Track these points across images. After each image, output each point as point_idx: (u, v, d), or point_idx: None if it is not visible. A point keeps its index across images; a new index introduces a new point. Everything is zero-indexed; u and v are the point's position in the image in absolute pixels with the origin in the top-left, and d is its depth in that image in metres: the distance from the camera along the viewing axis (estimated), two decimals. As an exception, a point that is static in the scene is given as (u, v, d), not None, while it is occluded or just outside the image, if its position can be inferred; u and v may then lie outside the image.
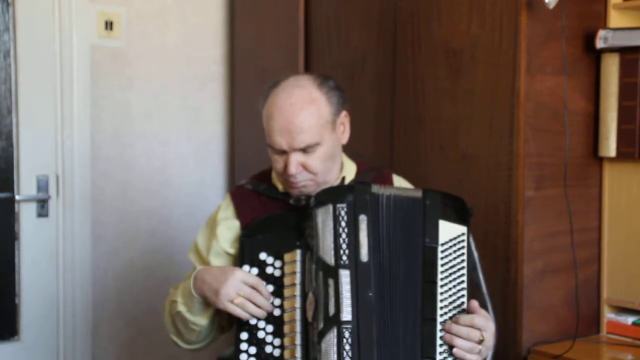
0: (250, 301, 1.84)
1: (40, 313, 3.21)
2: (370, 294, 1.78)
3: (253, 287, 1.85)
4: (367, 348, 1.75)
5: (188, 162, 3.53)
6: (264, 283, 1.88)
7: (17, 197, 3.16)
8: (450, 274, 1.82)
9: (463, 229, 1.85)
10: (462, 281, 1.82)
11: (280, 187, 2.04)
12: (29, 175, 3.17)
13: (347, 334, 1.74)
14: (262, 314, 1.85)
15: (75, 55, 3.21)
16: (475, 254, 1.88)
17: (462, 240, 1.84)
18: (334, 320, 1.75)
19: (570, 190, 2.42)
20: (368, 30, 2.85)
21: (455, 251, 1.83)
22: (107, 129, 3.33)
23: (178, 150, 3.50)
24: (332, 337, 1.75)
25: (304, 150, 1.91)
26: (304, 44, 3.11)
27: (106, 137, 3.32)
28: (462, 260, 1.83)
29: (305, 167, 1.92)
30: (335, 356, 1.73)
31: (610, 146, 2.42)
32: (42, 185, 3.19)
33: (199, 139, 3.56)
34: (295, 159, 1.91)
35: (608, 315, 2.49)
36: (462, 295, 1.81)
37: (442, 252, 1.82)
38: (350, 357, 1.73)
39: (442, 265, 1.81)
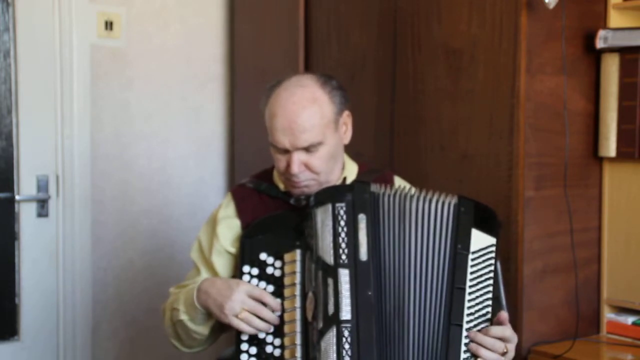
0: (256, 314, 1.84)
1: (40, 313, 3.21)
2: (370, 293, 1.77)
3: (258, 299, 1.85)
4: (367, 347, 1.74)
5: (188, 162, 3.53)
6: (265, 284, 1.88)
7: (17, 197, 3.16)
8: (479, 283, 1.80)
9: (493, 240, 1.83)
10: (489, 291, 1.80)
11: (281, 186, 2.04)
12: (29, 175, 3.17)
13: (346, 333, 1.74)
14: (266, 327, 1.84)
15: (75, 55, 3.20)
16: (499, 268, 1.87)
17: (492, 252, 1.82)
18: (334, 320, 1.75)
19: (570, 190, 2.42)
20: (368, 30, 2.85)
21: (484, 261, 1.81)
22: (107, 129, 3.33)
23: (178, 150, 3.50)
24: (331, 336, 1.74)
25: (307, 149, 1.90)
26: (304, 44, 3.11)
27: (106, 137, 3.32)
28: (490, 272, 1.81)
29: (307, 167, 1.92)
30: (335, 355, 1.73)
31: (610, 146, 2.42)
32: (42, 185, 3.19)
33: (199, 139, 3.56)
34: (298, 158, 1.91)
35: (608, 315, 2.49)
36: (488, 305, 1.80)
37: (472, 260, 1.80)
38: (349, 356, 1.73)
39: (471, 273, 1.80)
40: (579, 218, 2.45)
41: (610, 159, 2.47)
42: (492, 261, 1.82)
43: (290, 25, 3.16)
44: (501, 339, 1.77)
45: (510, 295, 2.36)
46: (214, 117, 3.60)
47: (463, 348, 1.77)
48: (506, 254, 2.36)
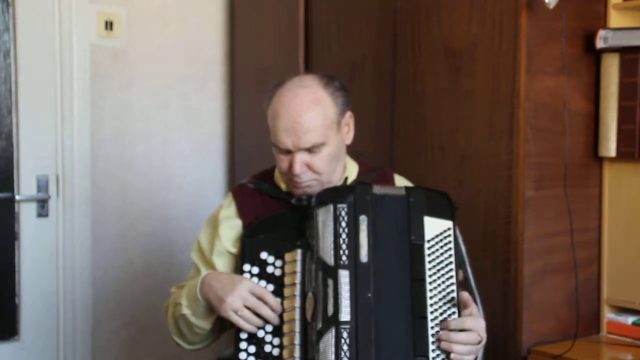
0: (255, 312, 1.84)
1: (40, 313, 3.21)
2: (369, 295, 1.78)
3: (259, 298, 1.85)
4: (365, 348, 1.74)
5: (188, 162, 3.53)
6: (265, 283, 1.88)
7: (17, 197, 3.16)
8: (439, 270, 1.81)
9: (448, 223, 1.85)
10: (451, 276, 1.81)
11: (282, 186, 2.04)
12: (29, 175, 3.17)
13: (345, 334, 1.74)
14: (263, 324, 1.85)
15: (75, 55, 3.21)
16: (463, 248, 1.88)
17: (449, 236, 1.84)
18: (333, 321, 1.75)
19: (570, 190, 2.42)
20: (368, 30, 2.85)
21: (441, 247, 1.83)
22: (107, 129, 3.33)
23: (178, 150, 3.51)
24: (330, 337, 1.74)
25: (310, 150, 1.90)
26: (304, 44, 3.11)
27: (106, 137, 3.33)
28: (450, 256, 1.83)
29: (310, 167, 1.92)
30: (333, 356, 1.73)
31: (610, 146, 2.42)
32: (42, 185, 3.19)
33: (199, 138, 3.56)
34: (301, 158, 1.90)
35: (608, 315, 2.49)
36: (452, 291, 1.81)
37: (429, 248, 1.82)
38: (348, 358, 1.73)
39: (430, 262, 1.81)
40: (579, 218, 2.45)
41: (610, 159, 2.47)
42: (451, 245, 1.83)
43: (290, 25, 3.16)
44: (463, 329, 1.77)
45: (510, 295, 2.36)
46: (214, 117, 3.60)
47: (431, 339, 1.77)
48: (506, 254, 2.37)
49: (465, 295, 1.81)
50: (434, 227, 1.84)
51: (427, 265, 1.81)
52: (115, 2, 3.32)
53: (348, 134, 2.02)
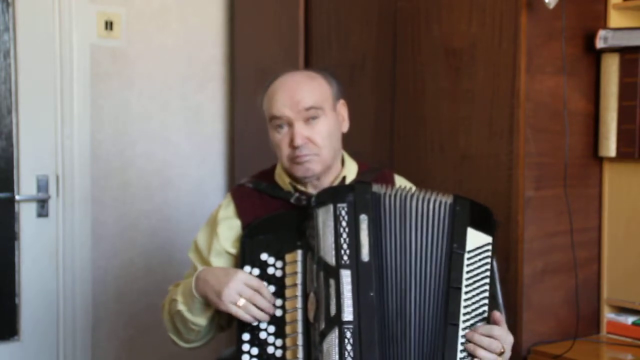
0: (253, 303, 1.84)
1: (40, 313, 3.21)
2: (372, 294, 1.78)
3: (255, 290, 1.85)
4: (369, 348, 1.74)
5: (188, 162, 3.54)
6: (266, 284, 1.88)
7: (17, 197, 3.16)
8: (475, 282, 1.80)
9: (489, 239, 1.84)
10: (485, 290, 1.80)
11: (281, 183, 2.04)
12: (29, 175, 3.17)
13: (348, 334, 1.74)
14: (264, 316, 1.85)
15: (75, 55, 3.21)
16: (495, 267, 1.87)
17: (488, 250, 1.83)
18: (336, 321, 1.75)
19: (570, 190, 2.42)
20: (368, 30, 2.85)
21: (480, 260, 1.82)
22: (107, 129, 3.33)
23: (178, 150, 3.51)
24: (333, 337, 1.74)
25: (307, 121, 1.93)
26: (304, 44, 3.11)
27: (106, 137, 3.33)
28: (486, 270, 1.81)
29: (310, 140, 1.94)
30: (337, 356, 1.73)
31: (610, 146, 2.42)
32: (42, 185, 3.19)
33: (199, 139, 3.57)
34: (300, 131, 1.93)
35: (608, 315, 2.49)
36: (484, 304, 1.80)
37: (468, 259, 1.81)
38: (352, 357, 1.73)
39: (467, 272, 1.80)
40: (579, 218, 2.45)
41: (610, 159, 2.47)
42: (489, 260, 1.83)
43: (290, 25, 3.16)
44: (492, 337, 1.77)
45: (510, 295, 2.36)
46: (214, 117, 3.60)
47: (460, 347, 1.77)
48: (506, 254, 2.37)
49: (497, 314, 1.80)
50: (476, 239, 1.82)
51: (465, 276, 1.80)
52: (115, 2, 3.32)
53: (343, 122, 2.05)
